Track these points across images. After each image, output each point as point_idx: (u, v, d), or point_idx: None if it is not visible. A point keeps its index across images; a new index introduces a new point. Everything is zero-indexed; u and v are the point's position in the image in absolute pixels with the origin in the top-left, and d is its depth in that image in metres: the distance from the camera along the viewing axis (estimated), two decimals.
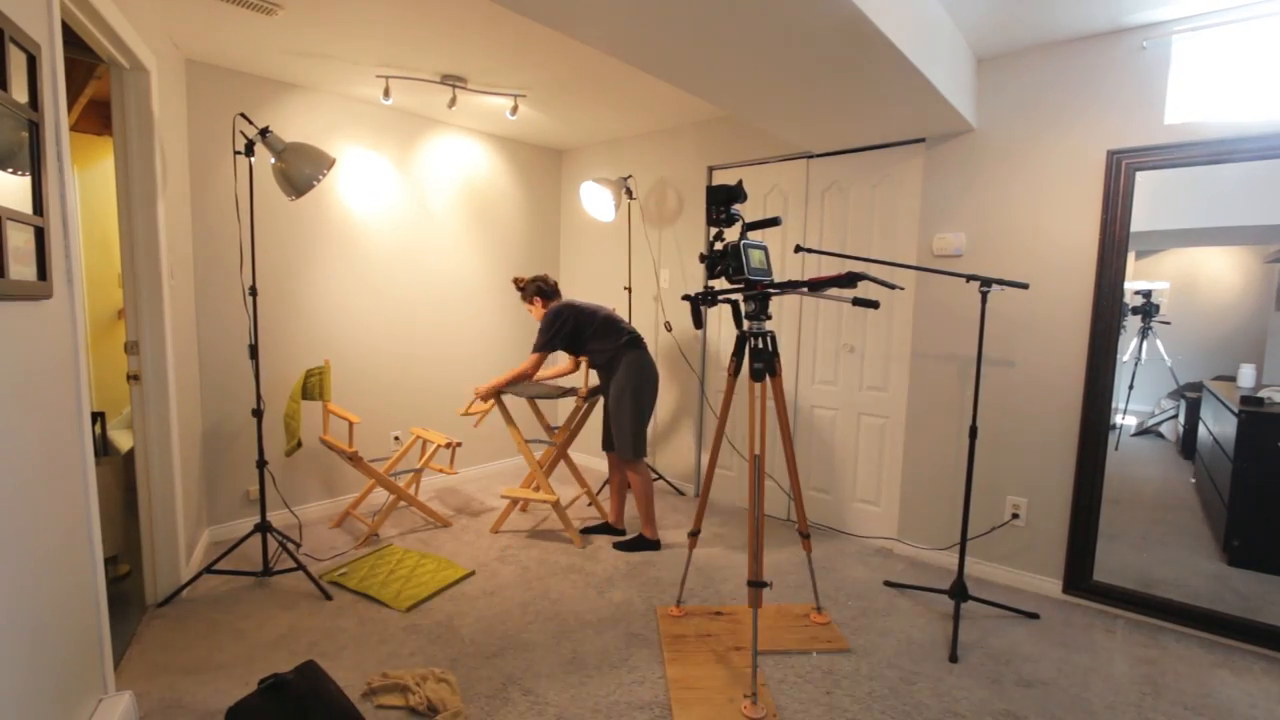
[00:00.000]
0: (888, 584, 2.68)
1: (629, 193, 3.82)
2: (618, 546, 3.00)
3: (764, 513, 3.44)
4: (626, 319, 3.05)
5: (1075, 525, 2.51)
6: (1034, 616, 2.42)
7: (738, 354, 2.19)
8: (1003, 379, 2.68)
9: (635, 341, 2.93)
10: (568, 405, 4.51)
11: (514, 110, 3.32)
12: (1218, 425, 2.29)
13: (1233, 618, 2.22)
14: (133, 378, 2.29)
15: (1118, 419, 2.47)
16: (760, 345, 2.09)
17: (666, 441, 3.97)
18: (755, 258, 2.10)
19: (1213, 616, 2.25)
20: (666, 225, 3.87)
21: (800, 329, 3.34)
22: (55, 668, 1.43)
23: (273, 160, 2.47)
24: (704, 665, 2.06)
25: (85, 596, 1.60)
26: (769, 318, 2.13)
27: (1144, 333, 2.41)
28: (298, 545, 2.97)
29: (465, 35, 2.51)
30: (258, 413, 2.56)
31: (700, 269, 3.69)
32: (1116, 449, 2.47)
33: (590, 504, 3.50)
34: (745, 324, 2.16)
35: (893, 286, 2.15)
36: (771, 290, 2.11)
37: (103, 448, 3.33)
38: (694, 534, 2.35)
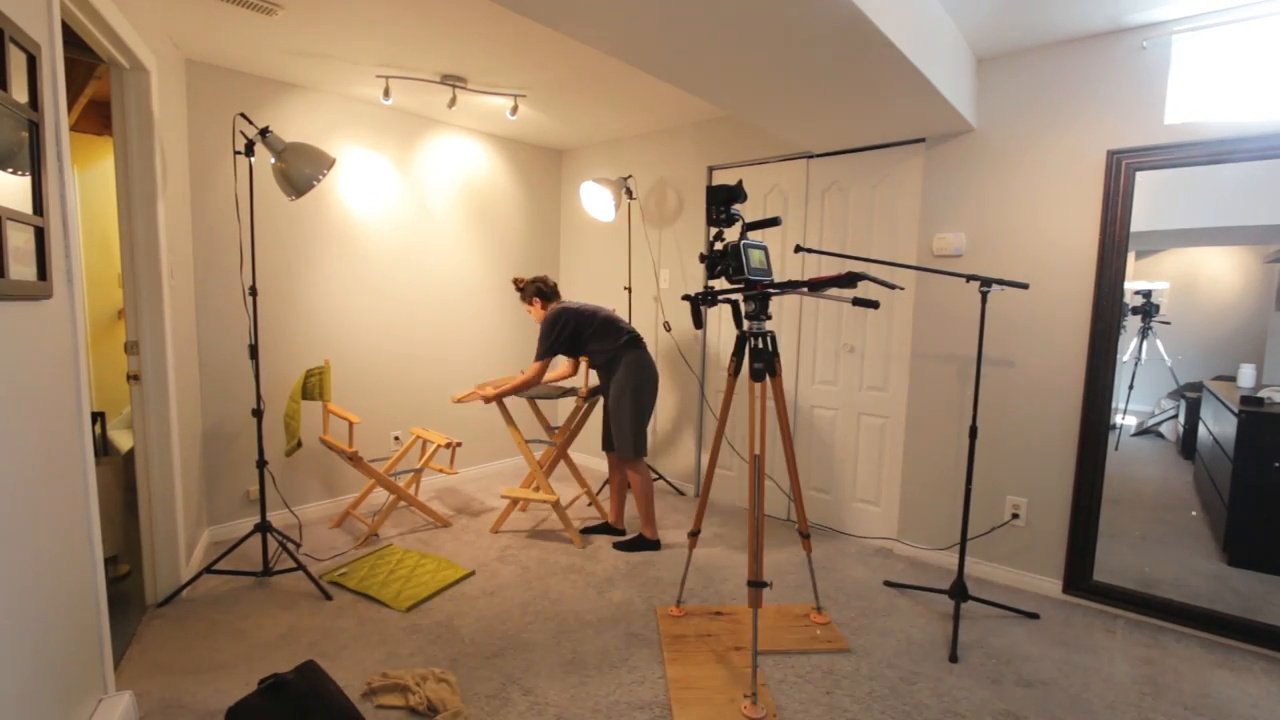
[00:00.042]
0: (888, 584, 2.68)
1: (629, 193, 3.82)
2: (618, 546, 3.00)
3: (764, 513, 3.44)
4: (626, 319, 3.05)
5: (1075, 525, 2.51)
6: (1034, 616, 2.42)
7: (738, 354, 2.19)
8: (1003, 379, 2.68)
9: (635, 341, 2.93)
10: (568, 405, 4.51)
11: (514, 110, 3.32)
12: (1218, 425, 2.29)
13: (1233, 618, 2.22)
14: (133, 378, 2.29)
15: (1118, 419, 2.47)
16: (760, 345, 2.09)
17: (666, 441, 3.97)
18: (755, 258, 2.10)
19: (1213, 616, 2.25)
20: (666, 225, 3.87)
21: (800, 329, 3.34)
22: (55, 667, 1.43)
23: (273, 160, 2.47)
24: (704, 665, 2.06)
25: (85, 596, 1.60)
26: (769, 318, 2.13)
27: (1144, 333, 2.41)
28: (298, 545, 2.97)
29: (465, 35, 2.51)
30: (258, 413, 2.56)
31: (700, 269, 3.69)
32: (1116, 449, 2.47)
33: (590, 504, 3.50)
34: (745, 324, 2.16)
35: (893, 286, 2.15)
36: (771, 290, 2.11)
37: (103, 448, 3.33)
38: (694, 534, 2.35)
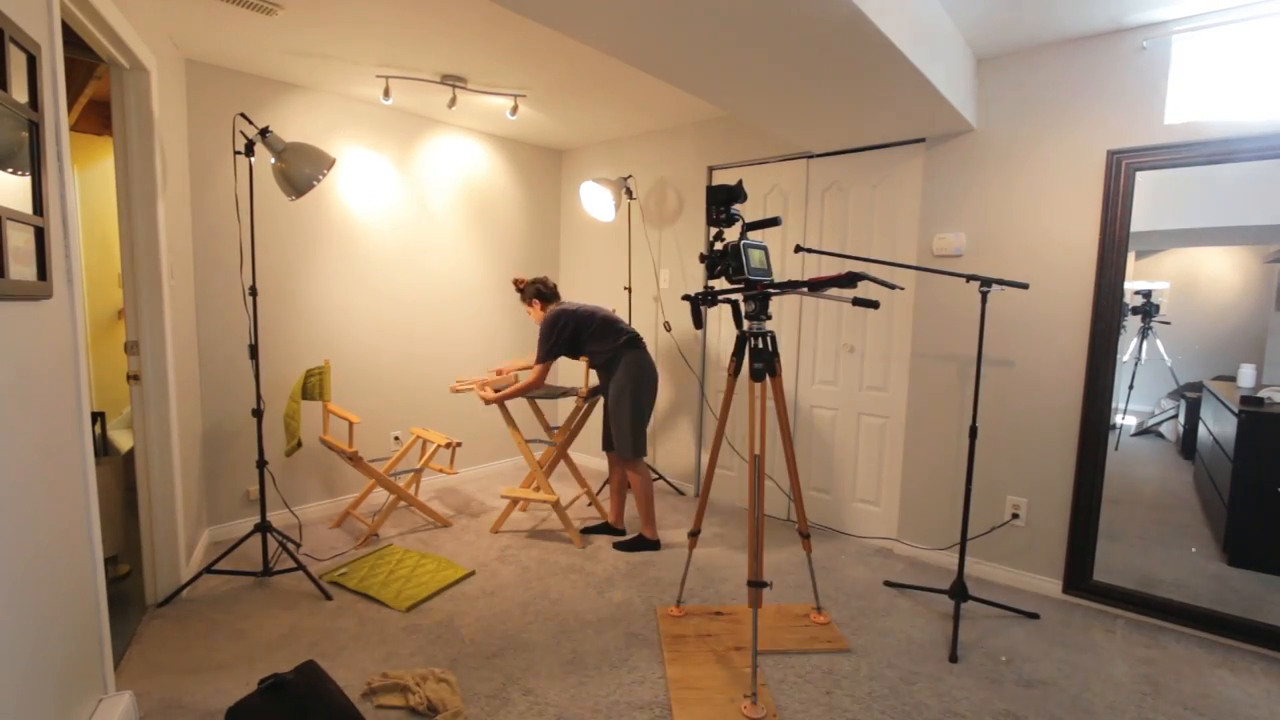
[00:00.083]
0: (888, 584, 2.68)
1: (629, 193, 3.82)
2: (618, 546, 3.00)
3: (764, 513, 3.44)
4: (625, 319, 3.05)
5: (1075, 525, 2.51)
6: (1034, 616, 2.42)
7: (738, 354, 2.19)
8: (1003, 379, 2.68)
9: (634, 341, 2.93)
10: (568, 405, 4.51)
11: (514, 110, 3.32)
12: (1218, 425, 2.29)
13: (1233, 618, 2.22)
14: (133, 378, 2.29)
15: (1118, 419, 2.47)
16: (760, 345, 2.09)
17: (666, 441, 3.97)
18: (755, 258, 2.10)
19: (1213, 616, 2.25)
20: (666, 225, 3.87)
21: (800, 329, 3.34)
22: (55, 667, 1.43)
23: (273, 160, 2.47)
24: (704, 665, 2.06)
25: (85, 596, 1.60)
26: (769, 318, 2.13)
27: (1144, 333, 2.41)
28: (298, 545, 2.97)
29: (465, 35, 2.51)
30: (258, 413, 2.56)
31: (700, 269, 3.69)
32: (1116, 449, 2.47)
33: (590, 504, 3.50)
34: (745, 324, 2.16)
35: (893, 286, 2.15)
36: (771, 290, 2.11)
37: (103, 448, 3.33)
38: (694, 534, 2.35)
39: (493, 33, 2.48)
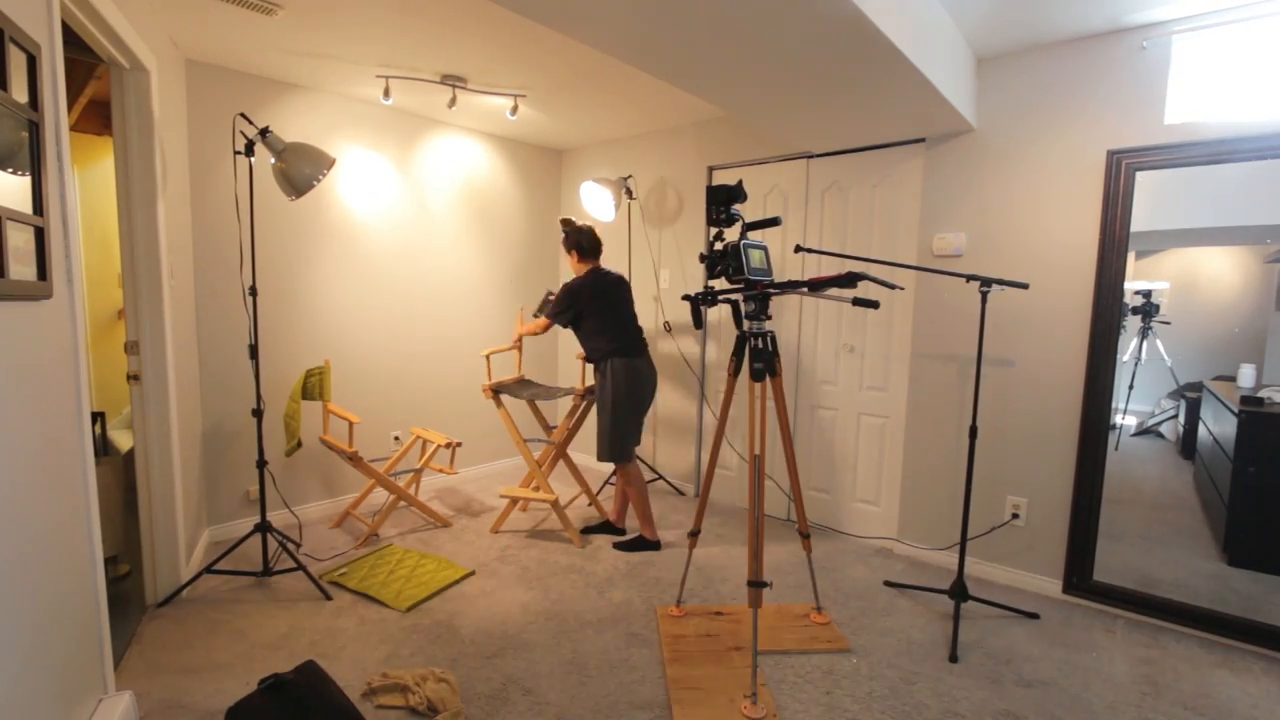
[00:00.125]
0: (888, 584, 2.68)
1: (629, 193, 3.82)
2: (618, 546, 3.00)
3: (764, 513, 3.44)
4: (636, 320, 3.03)
5: (1075, 525, 2.51)
6: (1034, 616, 2.42)
7: (738, 354, 2.19)
8: (1003, 379, 2.68)
9: (627, 349, 2.90)
10: (567, 405, 4.50)
11: (514, 110, 3.32)
12: (1218, 425, 2.29)
13: (1233, 618, 2.22)
14: (133, 378, 2.29)
15: (1118, 419, 2.47)
16: (760, 345, 2.09)
17: (666, 441, 3.97)
18: (755, 258, 2.10)
19: (1213, 616, 2.25)
20: (666, 225, 3.87)
21: (800, 329, 3.34)
22: (55, 667, 1.43)
23: (273, 160, 2.47)
24: (704, 665, 2.06)
25: (85, 596, 1.60)
26: (769, 318, 2.13)
27: (1144, 333, 2.41)
28: (298, 545, 2.97)
29: (465, 35, 2.51)
30: (258, 413, 2.56)
31: (700, 269, 3.69)
32: (1116, 449, 2.47)
33: (590, 504, 3.50)
34: (745, 324, 2.16)
35: (893, 286, 2.15)
36: (771, 290, 2.11)
37: (103, 448, 3.33)
38: (694, 534, 2.35)
39: (493, 33, 2.48)
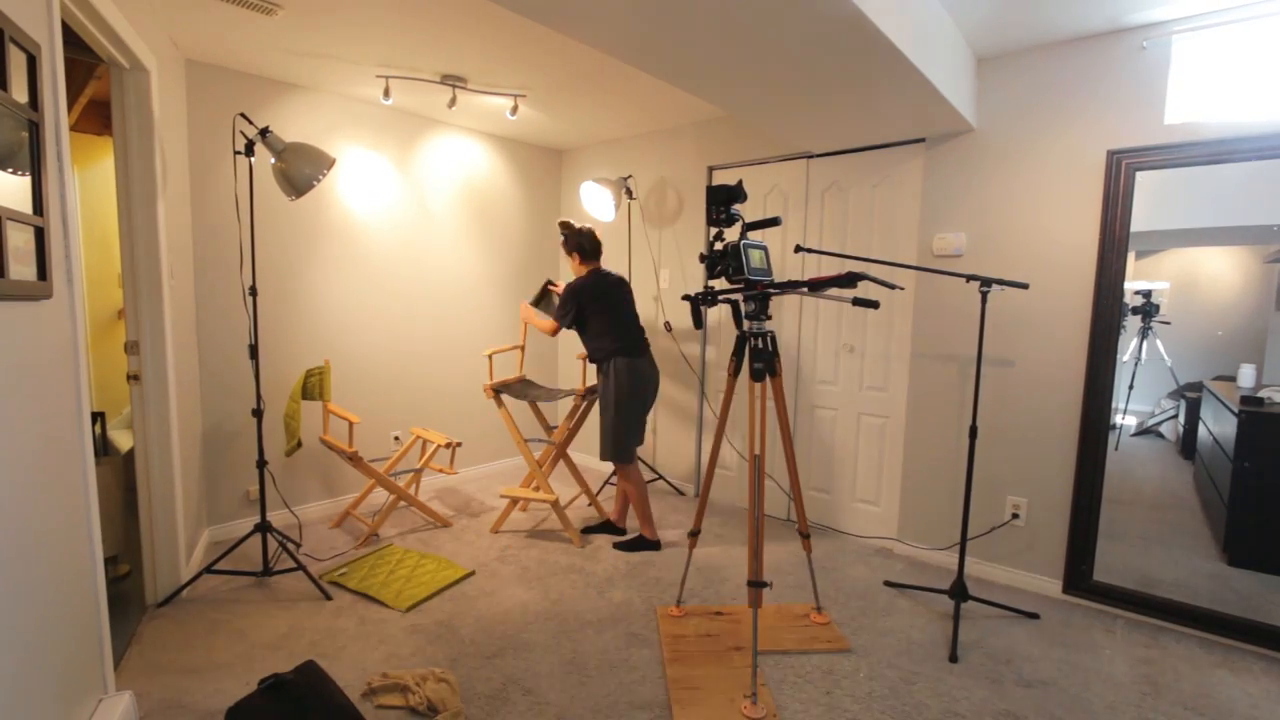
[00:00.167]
0: (888, 584, 2.68)
1: (629, 193, 3.82)
2: (618, 546, 3.00)
3: (764, 513, 3.44)
4: (638, 320, 3.03)
5: (1075, 525, 2.51)
6: (1034, 616, 2.42)
7: (738, 354, 2.19)
8: (1003, 379, 2.68)
9: (630, 349, 2.91)
10: (568, 405, 4.51)
11: (514, 110, 3.32)
12: (1218, 425, 2.29)
13: (1233, 618, 2.22)
14: (133, 378, 2.29)
15: (1118, 419, 2.47)
16: (760, 345, 2.09)
17: (667, 441, 3.97)
18: (755, 258, 2.10)
19: (1213, 616, 2.25)
20: (666, 225, 3.87)
21: (800, 329, 3.34)
22: (55, 667, 1.43)
23: (273, 160, 2.47)
24: (704, 665, 2.06)
25: (85, 596, 1.60)
26: (769, 318, 2.13)
27: (1144, 333, 2.41)
28: (298, 545, 2.97)
29: (465, 35, 2.51)
30: (258, 413, 2.56)
31: (700, 269, 3.69)
32: (1116, 449, 2.47)
33: (590, 504, 3.50)
34: (745, 324, 2.16)
35: (893, 286, 2.15)
36: (771, 290, 2.11)
37: (103, 448, 3.33)
38: (694, 534, 2.35)
39: (493, 33, 2.48)
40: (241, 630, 2.23)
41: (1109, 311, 2.41)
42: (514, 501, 3.27)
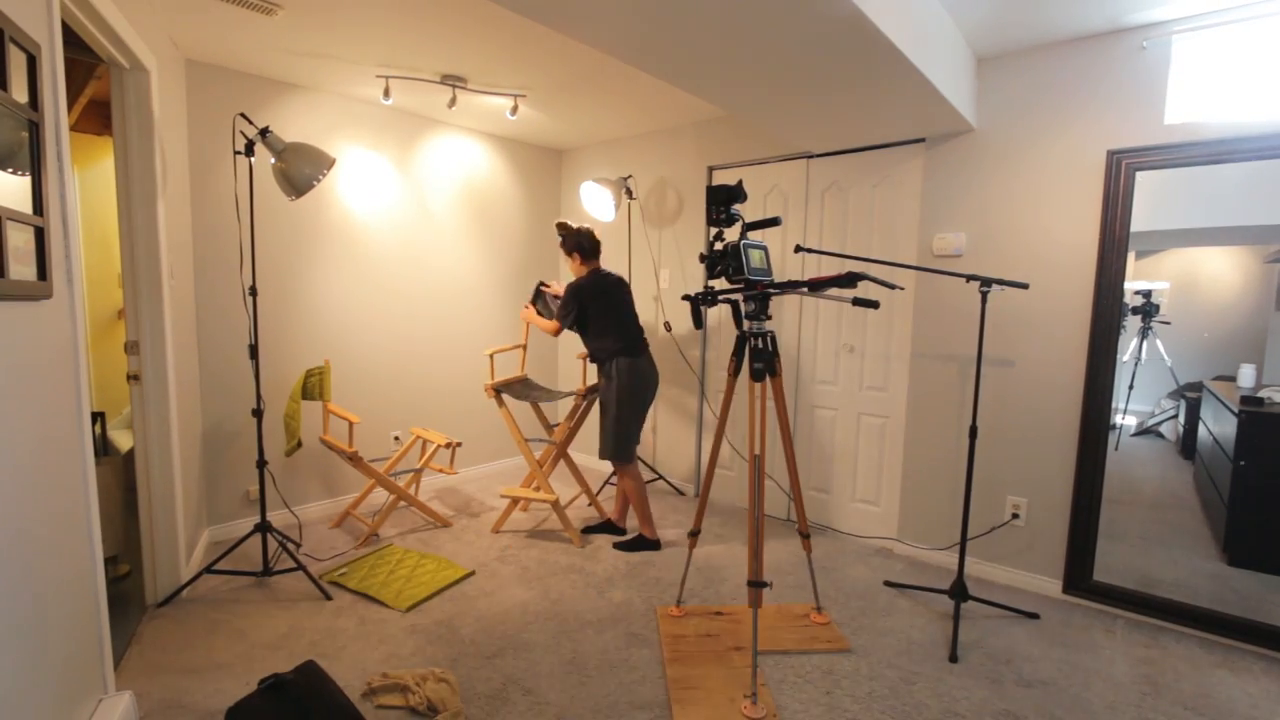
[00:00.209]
0: (888, 584, 2.68)
1: (629, 193, 3.82)
2: (618, 546, 3.00)
3: (764, 513, 3.44)
4: (637, 319, 3.03)
5: (1075, 525, 2.51)
6: (1034, 616, 2.42)
7: (738, 354, 2.19)
8: (1003, 379, 2.68)
9: (631, 349, 2.91)
10: (568, 405, 4.51)
11: (514, 110, 3.32)
12: (1218, 425, 2.29)
13: (1233, 618, 2.22)
14: (133, 378, 2.29)
15: (1118, 419, 2.47)
16: (760, 345, 2.09)
17: (667, 441, 3.97)
18: (755, 258, 2.10)
19: (1213, 616, 2.25)
20: (666, 225, 3.87)
21: (800, 329, 3.34)
22: (55, 667, 1.43)
23: (273, 160, 2.47)
24: (704, 665, 2.06)
25: (85, 596, 1.60)
26: (769, 318, 2.13)
27: (1144, 333, 2.41)
28: (298, 545, 2.97)
29: (465, 35, 2.51)
30: (258, 413, 2.56)
31: (700, 269, 3.69)
32: (1116, 449, 2.47)
33: (590, 504, 3.50)
34: (745, 324, 2.16)
35: (893, 286, 2.15)
36: (771, 290, 2.11)
37: (103, 448, 3.33)
38: (694, 534, 2.35)
39: (493, 33, 2.48)
40: (241, 630, 2.23)
41: (1109, 311, 2.41)
42: (514, 501, 3.27)
